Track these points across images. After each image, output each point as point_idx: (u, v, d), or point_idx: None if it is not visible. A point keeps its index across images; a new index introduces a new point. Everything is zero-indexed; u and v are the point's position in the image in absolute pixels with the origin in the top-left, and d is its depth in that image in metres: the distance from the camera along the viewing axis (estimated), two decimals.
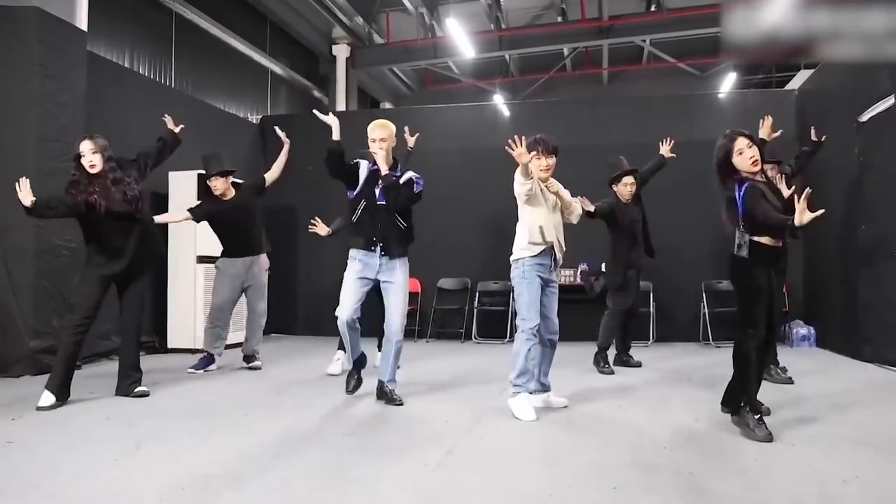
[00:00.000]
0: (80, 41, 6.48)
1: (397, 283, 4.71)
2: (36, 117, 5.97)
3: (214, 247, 6.52)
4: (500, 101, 12.94)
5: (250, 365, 6.40)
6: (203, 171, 6.38)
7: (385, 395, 4.71)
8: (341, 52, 13.46)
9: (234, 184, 6.28)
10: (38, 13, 6.00)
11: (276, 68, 12.28)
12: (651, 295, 8.42)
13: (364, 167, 4.79)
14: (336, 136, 4.65)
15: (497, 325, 8.77)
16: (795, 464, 3.17)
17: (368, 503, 2.68)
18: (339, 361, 6.05)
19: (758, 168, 3.75)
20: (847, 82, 7.20)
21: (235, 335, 7.76)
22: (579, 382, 5.53)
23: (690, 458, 3.31)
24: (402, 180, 4.71)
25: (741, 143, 3.73)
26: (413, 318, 9.05)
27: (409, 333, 9.00)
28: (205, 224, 6.34)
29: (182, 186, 7.62)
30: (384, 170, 4.65)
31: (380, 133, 4.66)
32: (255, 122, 10.64)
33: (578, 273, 8.60)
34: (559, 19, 13.34)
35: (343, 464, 3.24)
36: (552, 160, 4.42)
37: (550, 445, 3.62)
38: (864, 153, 6.68)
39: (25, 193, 4.43)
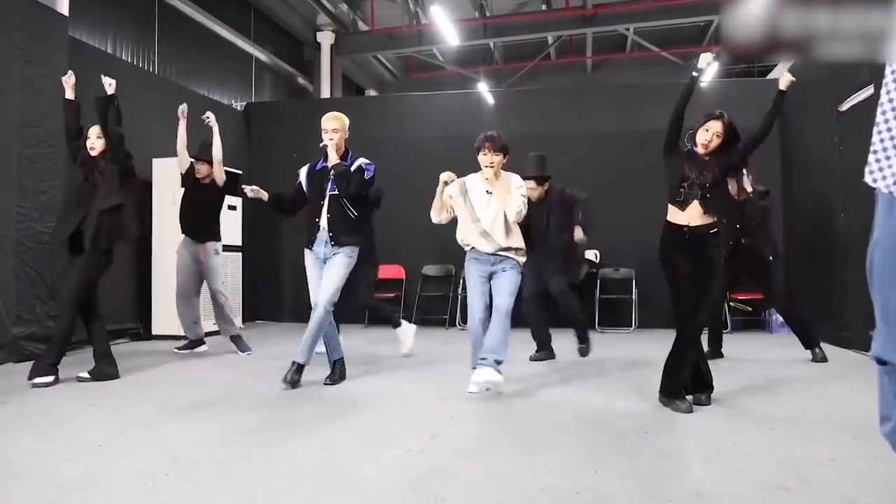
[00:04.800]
0: (61, 26, 6.42)
1: (330, 266, 4.80)
2: (16, 103, 5.91)
3: None
4: (484, 89, 12.91)
5: (242, 351, 6.44)
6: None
7: (288, 372, 4.80)
8: (326, 38, 13.37)
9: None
10: None
11: (261, 55, 12.19)
12: (633, 282, 8.50)
13: (303, 174, 5.00)
14: (267, 197, 4.92)
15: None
16: (774, 448, 3.22)
17: (352, 488, 2.69)
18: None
19: (703, 151, 4.04)
20: (827, 72, 7.26)
21: (213, 323, 7.78)
22: (564, 369, 5.59)
23: (671, 442, 3.36)
24: (352, 168, 4.80)
25: (714, 125, 4.04)
26: (397, 305, 9.08)
27: None
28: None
29: (166, 173, 7.59)
30: (334, 159, 4.78)
31: (332, 124, 4.82)
32: (239, 108, 10.58)
33: None
34: (543, 7, 13.31)
35: (327, 449, 3.26)
36: (498, 157, 4.58)
37: (533, 431, 3.65)
38: (843, 142, 6.75)
39: None
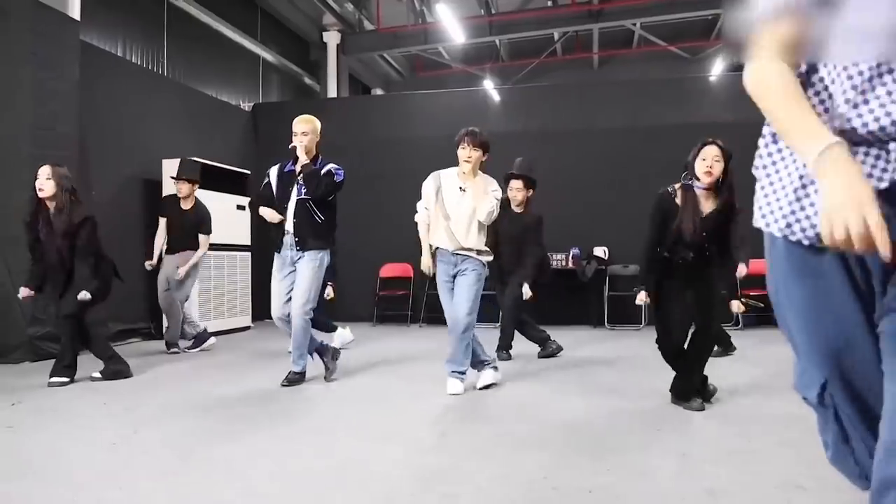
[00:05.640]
0: (72, 30, 6.48)
1: (300, 270, 4.79)
2: (29, 106, 5.97)
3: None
4: (490, 87, 12.91)
5: (170, 351, 6.55)
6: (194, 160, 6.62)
7: (286, 376, 4.88)
8: (332, 38, 13.41)
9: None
10: (31, 3, 6.02)
11: (268, 56, 12.23)
12: None
13: (273, 174, 4.95)
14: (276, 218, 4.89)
15: (490, 309, 8.83)
16: (788, 446, 3.22)
17: (361, 486, 2.71)
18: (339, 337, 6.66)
19: (710, 179, 3.81)
20: None
21: (222, 322, 7.88)
22: (573, 367, 5.60)
23: (683, 440, 3.37)
24: (322, 172, 4.78)
25: (708, 150, 3.83)
26: (405, 303, 9.12)
27: (402, 318, 9.14)
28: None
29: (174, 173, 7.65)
30: (303, 160, 4.75)
31: (302, 127, 4.79)
32: (247, 109, 10.62)
33: (570, 257, 8.68)
34: (549, 3, 13.30)
35: (338, 446, 3.29)
36: (477, 153, 4.51)
37: (544, 429, 3.65)
38: None
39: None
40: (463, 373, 4.57)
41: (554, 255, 8.70)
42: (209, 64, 10.60)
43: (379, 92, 16.21)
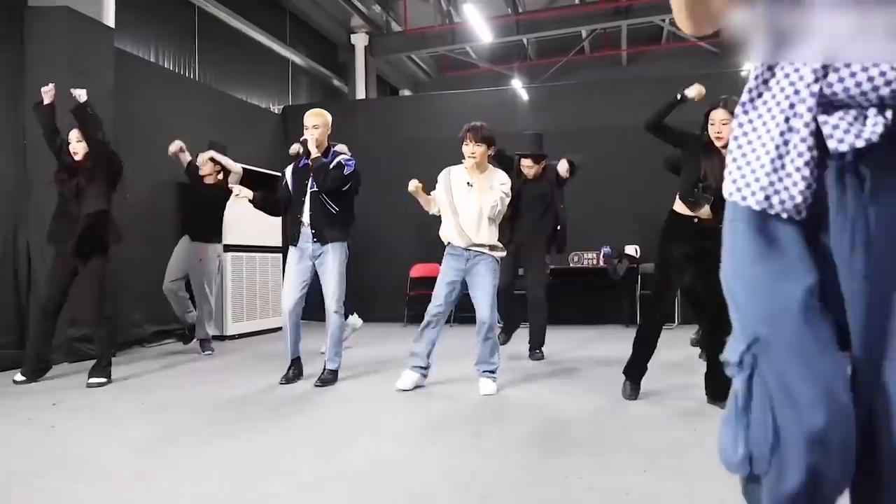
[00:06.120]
0: (107, 38, 6.60)
1: (326, 268, 4.82)
2: (67, 114, 6.06)
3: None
4: (518, 86, 12.89)
5: (204, 352, 6.50)
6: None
7: (320, 375, 4.92)
8: (360, 40, 13.48)
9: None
10: (68, 12, 6.13)
11: (297, 58, 12.34)
12: None
13: (288, 172, 5.01)
14: (250, 194, 4.91)
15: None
16: None
17: (394, 487, 2.72)
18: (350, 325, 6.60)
19: (720, 143, 3.82)
20: None
21: (253, 323, 7.94)
22: (606, 365, 5.57)
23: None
24: (332, 164, 4.80)
25: (715, 114, 3.89)
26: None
27: None
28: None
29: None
30: (315, 153, 4.78)
31: (313, 121, 4.83)
32: (276, 112, 10.72)
33: (601, 256, 8.63)
34: (577, 1, 13.24)
35: (369, 448, 3.30)
36: (480, 147, 4.54)
37: (579, 429, 3.64)
38: None
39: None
40: (493, 372, 4.58)
41: (584, 254, 8.67)
42: (239, 68, 10.71)
43: (407, 93, 16.25)
